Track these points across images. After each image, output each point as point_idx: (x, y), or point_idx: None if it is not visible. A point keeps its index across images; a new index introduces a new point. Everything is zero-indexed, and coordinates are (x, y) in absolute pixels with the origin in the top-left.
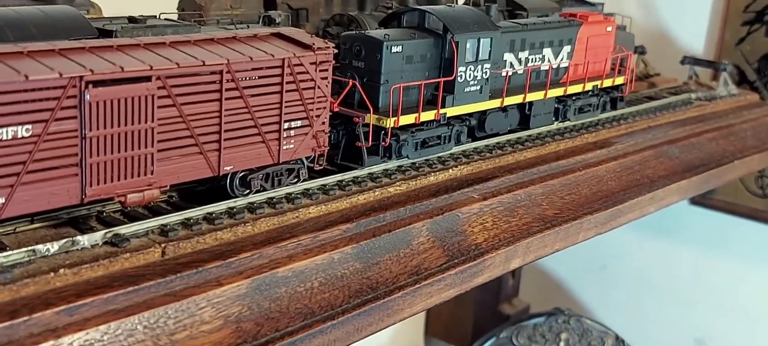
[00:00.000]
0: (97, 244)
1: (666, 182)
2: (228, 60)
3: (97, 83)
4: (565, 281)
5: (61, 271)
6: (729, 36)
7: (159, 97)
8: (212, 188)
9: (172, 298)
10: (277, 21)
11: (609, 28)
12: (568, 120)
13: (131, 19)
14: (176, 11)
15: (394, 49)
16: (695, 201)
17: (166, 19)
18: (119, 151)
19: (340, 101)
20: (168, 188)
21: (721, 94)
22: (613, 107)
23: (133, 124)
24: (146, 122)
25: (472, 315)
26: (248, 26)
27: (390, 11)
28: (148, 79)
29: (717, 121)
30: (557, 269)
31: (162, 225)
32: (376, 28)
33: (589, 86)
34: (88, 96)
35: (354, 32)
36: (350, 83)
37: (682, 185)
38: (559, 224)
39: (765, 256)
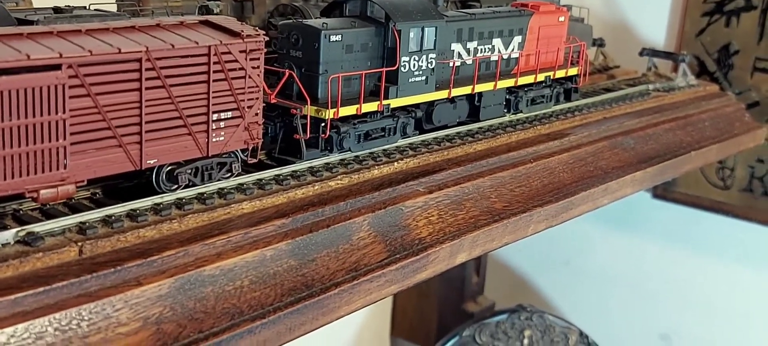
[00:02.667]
0: (9, 243)
1: (620, 173)
2: (147, 47)
3: (1, 72)
4: (530, 277)
5: None
6: (689, 27)
7: (71, 87)
8: (139, 184)
9: (87, 299)
10: (215, 12)
11: (561, 19)
12: (520, 112)
13: (56, 10)
14: (114, 2)
15: (332, 38)
16: (658, 194)
17: (96, 9)
18: (27, 145)
19: (278, 92)
20: (85, 183)
21: (680, 85)
22: (567, 99)
23: (42, 115)
24: (57, 113)
25: (437, 314)
26: (184, 15)
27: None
28: (57, 67)
29: (675, 112)
30: (522, 265)
31: (81, 223)
32: (319, 17)
33: (541, 77)
34: None
35: (291, 21)
36: (287, 74)
37: (636, 176)
38: (507, 216)
39: (728, 249)
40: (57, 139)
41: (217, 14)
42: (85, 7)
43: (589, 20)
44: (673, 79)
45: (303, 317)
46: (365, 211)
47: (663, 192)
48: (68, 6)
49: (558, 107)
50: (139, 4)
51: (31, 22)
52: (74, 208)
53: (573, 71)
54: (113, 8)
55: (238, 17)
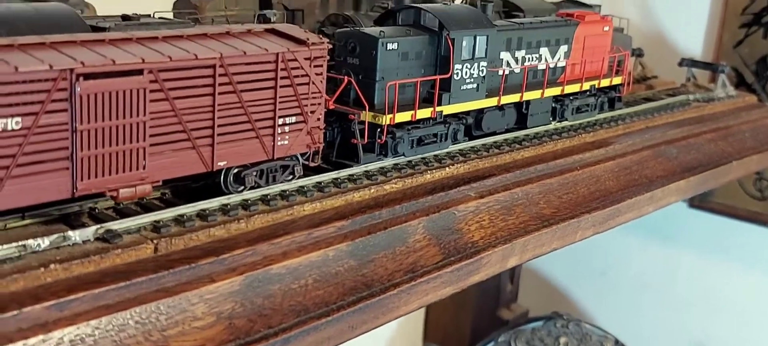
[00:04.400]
0: (89, 240)
1: (664, 182)
2: (221, 54)
3: (88, 76)
4: (563, 285)
5: (52, 266)
6: (727, 38)
7: (151, 91)
8: (206, 186)
9: (164, 294)
10: (272, 20)
11: (606, 28)
12: (566, 120)
13: (125, 17)
14: (171, 11)
15: (389, 46)
16: (694, 204)
17: (160, 17)
18: (110, 146)
19: (336, 98)
20: (160, 183)
21: (719, 95)
22: (611, 107)
23: (124, 117)
24: (138, 116)
25: (471, 320)
26: (243, 24)
27: (386, 9)
28: (139, 72)
29: (715, 122)
30: (556, 274)
31: (154, 222)
32: (372, 26)
33: (586, 86)
34: (79, 89)
35: (349, 29)
36: (346, 80)
37: (680, 185)
38: (556, 222)
39: (763, 259)
40: (138, 141)
41: (274, 23)
42: (149, 16)
43: (627, 31)
44: (712, 89)
45: (364, 315)
46: (419, 214)
47: (700, 202)
48: (135, 13)
49: (602, 116)
50: (196, 13)
51: (103, 29)
52: (146, 207)
53: (617, 80)
54: (169, 15)
55: None
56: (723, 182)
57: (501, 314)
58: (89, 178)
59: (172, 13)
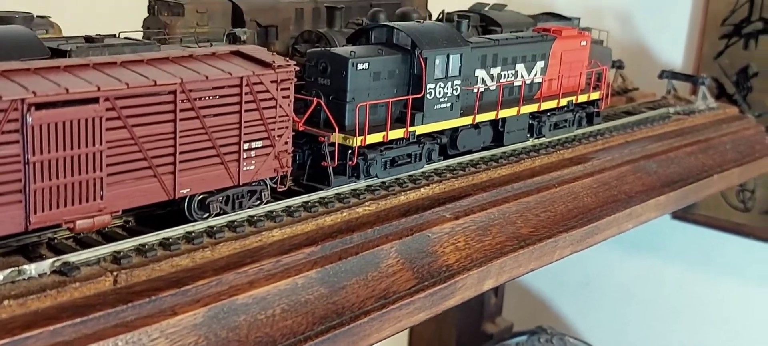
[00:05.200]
0: (45, 273)
1: (644, 197)
2: (182, 79)
3: (40, 106)
4: (548, 298)
5: (6, 302)
6: (707, 49)
7: (107, 119)
8: (171, 212)
9: (124, 329)
10: (242, 39)
11: (583, 43)
12: (543, 136)
13: (88, 39)
14: (141, 29)
15: (360, 66)
16: (677, 216)
17: (125, 38)
18: (65, 176)
19: (306, 120)
20: (120, 213)
21: (700, 107)
22: (590, 122)
23: (79, 147)
24: (94, 145)
25: (455, 335)
26: (212, 45)
27: (358, 27)
28: (95, 100)
29: (696, 135)
30: (540, 286)
31: (115, 252)
32: (344, 45)
33: (563, 102)
34: (31, 119)
35: (319, 49)
36: (315, 102)
37: (660, 200)
38: (533, 242)
39: (747, 270)
40: (94, 171)
41: (243, 41)
42: (115, 36)
43: (607, 43)
44: (693, 101)
45: (335, 345)
46: (393, 238)
47: (683, 214)
48: (99, 35)
49: (580, 131)
50: (166, 31)
51: (64, 52)
52: (108, 236)
53: (595, 95)
54: (139, 35)
55: (263, 43)
56: (704, 196)
57: (485, 328)
58: (43, 210)
59: (142, 31)
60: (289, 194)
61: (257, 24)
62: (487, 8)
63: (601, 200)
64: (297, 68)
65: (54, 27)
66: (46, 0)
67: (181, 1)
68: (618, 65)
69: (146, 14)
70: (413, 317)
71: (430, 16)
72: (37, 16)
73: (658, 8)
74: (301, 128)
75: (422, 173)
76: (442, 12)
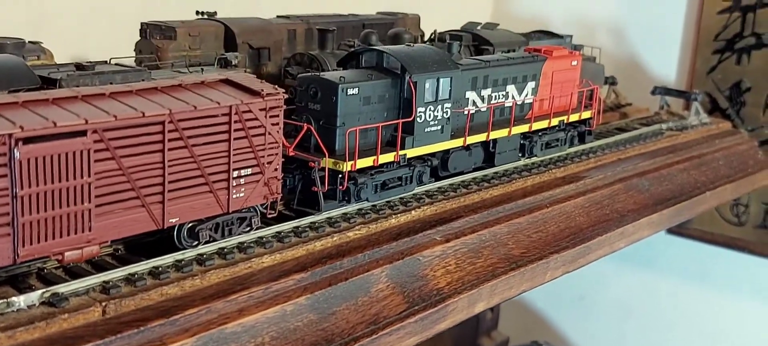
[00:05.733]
0: (34, 304)
1: (636, 216)
2: (170, 110)
3: (28, 140)
4: (544, 312)
5: None
6: (700, 64)
7: (96, 151)
8: (162, 239)
9: None
10: (233, 63)
11: (574, 63)
12: (535, 156)
13: (78, 66)
14: (133, 55)
15: (350, 91)
16: (672, 230)
17: (116, 64)
18: (53, 209)
19: (297, 145)
20: (109, 243)
21: (693, 123)
22: (582, 141)
23: (67, 180)
24: (82, 177)
25: None
26: (202, 69)
27: (349, 51)
28: (83, 133)
29: (688, 151)
30: (536, 301)
31: (104, 282)
32: (335, 69)
33: (555, 122)
34: (18, 154)
35: (309, 74)
36: (305, 127)
37: (653, 218)
38: (525, 263)
39: (742, 285)
40: (82, 203)
41: (235, 65)
42: (106, 62)
43: (600, 59)
44: (685, 117)
45: None
46: (383, 262)
47: (678, 228)
48: (90, 62)
49: (572, 150)
50: (158, 54)
51: (54, 81)
52: (98, 265)
53: (587, 114)
54: (131, 60)
55: (255, 65)
56: (696, 213)
57: (481, 342)
58: (32, 243)
59: (133, 57)
60: (280, 219)
61: (249, 46)
62: (479, 27)
63: (593, 219)
64: (286, 96)
65: (46, 53)
66: (38, 25)
67: (173, 24)
68: (611, 81)
69: (139, 38)
70: (404, 342)
71: (423, 35)
72: (29, 42)
73: (651, 23)
74: (291, 153)
75: (413, 195)
76: (434, 32)
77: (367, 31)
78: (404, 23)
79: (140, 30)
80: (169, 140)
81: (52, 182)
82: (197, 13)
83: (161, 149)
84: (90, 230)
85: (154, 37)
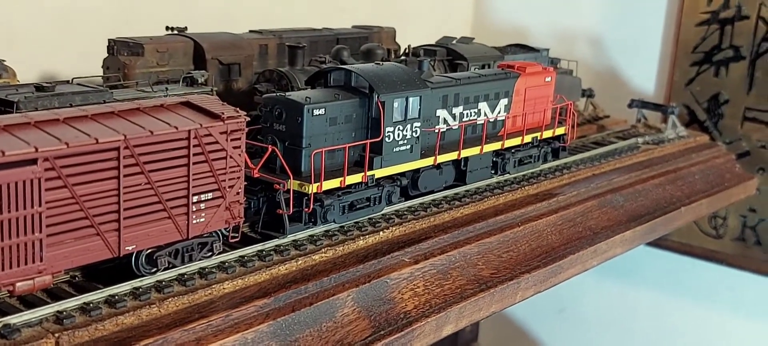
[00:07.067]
0: None
1: (609, 233)
2: (125, 136)
3: None
4: (523, 325)
5: None
6: (678, 76)
7: (47, 180)
8: (120, 265)
9: None
10: (199, 81)
11: (548, 79)
12: (508, 173)
13: (38, 88)
14: (99, 74)
15: (316, 112)
16: (651, 243)
17: (78, 84)
18: (3, 240)
19: (262, 166)
20: (62, 272)
21: (670, 136)
22: (556, 157)
23: (17, 210)
24: (33, 207)
25: None
26: (167, 88)
27: (318, 69)
28: (33, 161)
29: (664, 165)
30: (516, 313)
31: (58, 312)
32: (303, 88)
33: (528, 139)
34: None
35: (275, 94)
36: (269, 149)
37: (626, 235)
38: (495, 285)
39: (720, 297)
40: (33, 233)
41: (201, 83)
42: (68, 82)
43: (578, 71)
44: (662, 130)
45: None
46: (349, 285)
47: (656, 240)
48: (50, 83)
49: (546, 166)
50: (125, 71)
51: (11, 103)
52: (53, 294)
53: (560, 130)
54: (97, 78)
55: (225, 81)
56: (671, 228)
57: None
58: None
59: (98, 76)
60: (245, 242)
61: (219, 62)
62: (454, 41)
63: (566, 237)
64: (254, 115)
65: (8, 71)
66: (10, 41)
67: (141, 41)
68: (588, 93)
69: (106, 54)
70: None
71: (399, 48)
72: None
73: (630, 35)
74: (256, 175)
75: (382, 215)
76: (409, 46)
77: (339, 47)
78: (379, 37)
79: (108, 46)
80: (125, 167)
81: (2, 212)
82: (167, 28)
83: (116, 176)
84: (42, 260)
85: (122, 54)
